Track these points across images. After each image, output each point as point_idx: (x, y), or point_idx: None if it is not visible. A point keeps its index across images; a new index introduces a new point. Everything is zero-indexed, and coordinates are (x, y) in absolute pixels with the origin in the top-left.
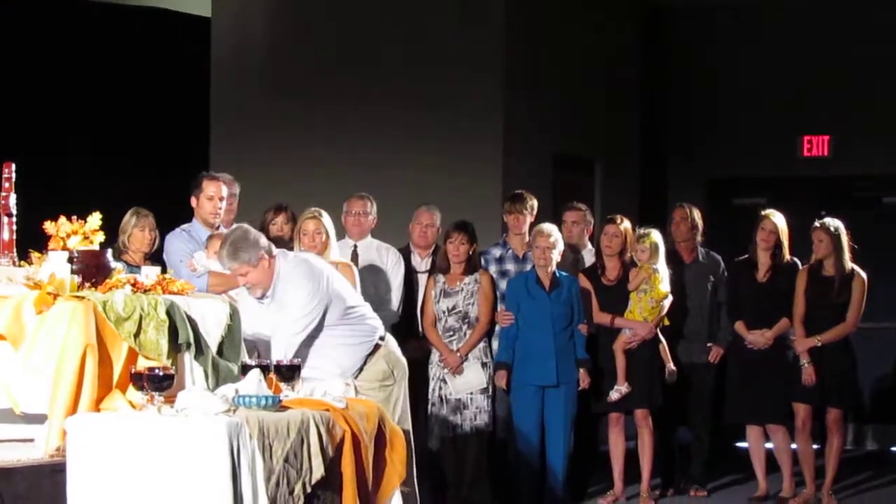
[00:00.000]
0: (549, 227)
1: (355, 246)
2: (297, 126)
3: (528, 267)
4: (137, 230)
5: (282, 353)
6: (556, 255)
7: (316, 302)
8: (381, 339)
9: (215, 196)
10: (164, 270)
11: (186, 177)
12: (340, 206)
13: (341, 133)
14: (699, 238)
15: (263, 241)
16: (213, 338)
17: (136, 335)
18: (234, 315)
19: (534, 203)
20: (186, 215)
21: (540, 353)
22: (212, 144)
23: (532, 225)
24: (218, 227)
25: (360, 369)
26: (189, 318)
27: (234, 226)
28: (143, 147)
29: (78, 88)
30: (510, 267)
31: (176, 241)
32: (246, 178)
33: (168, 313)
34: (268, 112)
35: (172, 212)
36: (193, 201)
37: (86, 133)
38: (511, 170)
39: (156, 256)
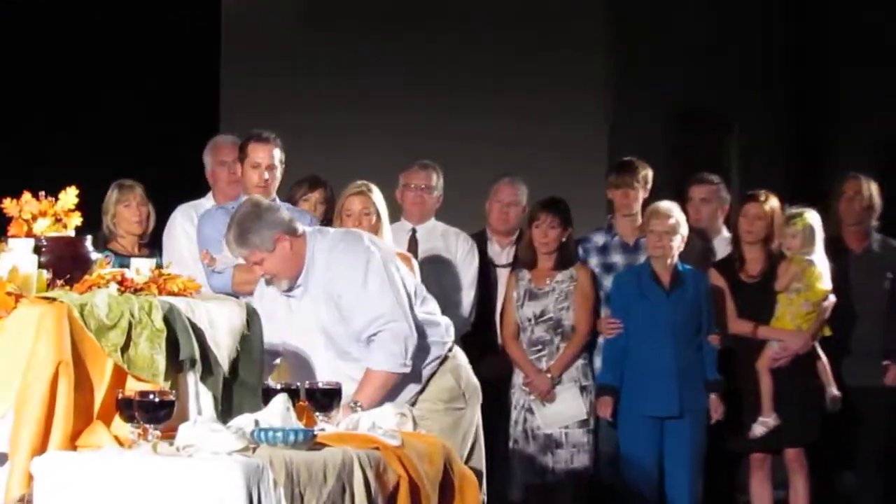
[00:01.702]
0: (668, 206)
1: (414, 230)
2: (337, 79)
3: (642, 258)
4: (123, 207)
5: (400, 355)
6: (677, 243)
7: (386, 270)
8: (450, 350)
9: (263, 163)
10: (159, 264)
11: (191, 144)
12: (394, 180)
13: (395, 86)
14: (874, 221)
15: (283, 214)
16: (225, 352)
17: (125, 349)
18: (252, 322)
19: (648, 174)
20: (194, 190)
21: (657, 373)
22: (222, 104)
23: (646, 203)
24: (273, 202)
25: (423, 388)
26: (194, 326)
27: (243, 199)
28: (138, 109)
29: (60, 38)
30: (617, 259)
31: (210, 224)
32: None
33: (166, 320)
34: (296, 61)
35: (174, 187)
36: (238, 170)
37: (67, 94)
38: (620, 130)
39: (155, 241)
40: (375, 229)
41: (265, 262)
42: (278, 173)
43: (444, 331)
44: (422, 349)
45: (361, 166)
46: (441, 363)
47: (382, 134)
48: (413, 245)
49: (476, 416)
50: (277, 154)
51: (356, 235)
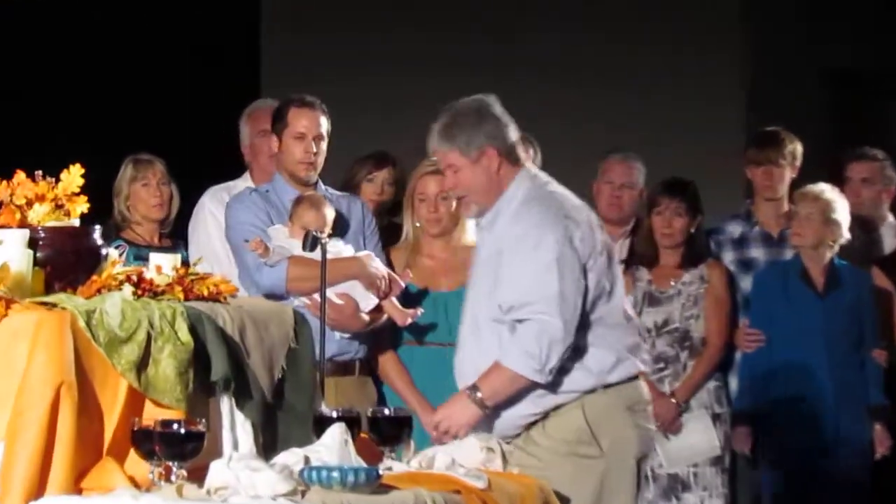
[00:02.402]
0: (821, 188)
1: None
2: (402, 43)
3: (788, 253)
4: (140, 186)
5: (538, 359)
6: (833, 234)
7: (564, 255)
8: (606, 387)
9: (309, 133)
10: (184, 260)
11: (225, 114)
12: None
13: (479, 43)
14: None
15: (509, 132)
16: (267, 371)
17: (142, 368)
18: (301, 333)
19: (796, 148)
20: (227, 169)
21: (808, 396)
22: (262, 67)
23: (794, 184)
24: (315, 183)
25: (545, 414)
26: (228, 338)
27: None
28: (161, 73)
29: None
30: (758, 254)
31: (242, 210)
32: None
33: (194, 332)
34: (353, 17)
35: (203, 165)
36: (273, 143)
37: (71, 54)
38: (760, 95)
39: (178, 230)
40: (456, 217)
41: (461, 172)
42: (325, 147)
43: (608, 365)
44: (568, 369)
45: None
46: (583, 395)
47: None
48: None
49: (624, 482)
50: (325, 123)
51: (557, 202)
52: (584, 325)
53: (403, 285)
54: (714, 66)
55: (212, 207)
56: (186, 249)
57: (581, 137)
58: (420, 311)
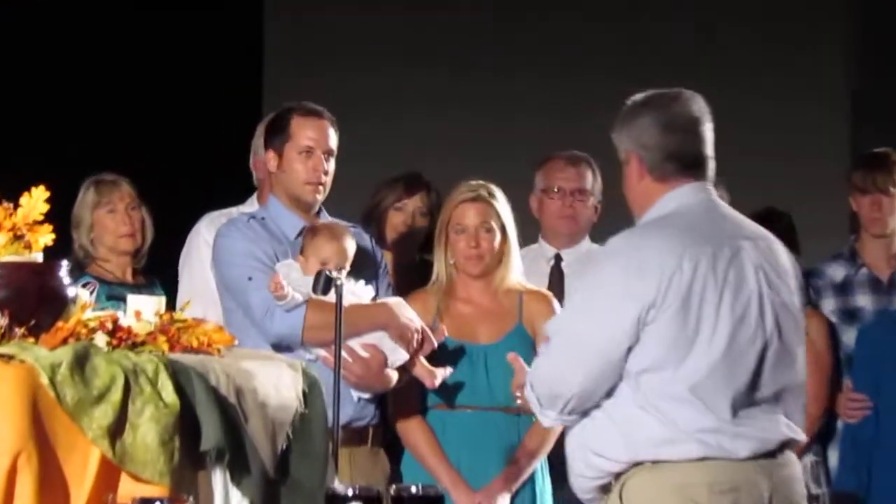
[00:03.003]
0: None
1: (558, 257)
2: (426, 36)
3: None
4: (104, 213)
5: (535, 401)
6: None
7: (609, 292)
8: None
9: (316, 147)
10: (170, 302)
11: (222, 131)
12: (525, 181)
13: (522, 47)
14: None
15: (652, 135)
16: (269, 440)
17: (117, 434)
18: (312, 394)
19: None
20: (227, 193)
21: None
22: (265, 76)
23: None
24: (319, 212)
25: (605, 487)
26: (223, 400)
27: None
28: (138, 78)
29: None
30: (864, 302)
31: (241, 240)
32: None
33: (180, 391)
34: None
35: (185, 187)
36: (271, 161)
37: (36, 55)
38: (867, 107)
39: (157, 264)
40: (500, 253)
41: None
42: (333, 164)
43: (656, 440)
44: (603, 432)
45: (470, 163)
46: (630, 469)
47: (505, 119)
48: (556, 278)
49: None
50: (334, 136)
51: (664, 234)
52: (631, 384)
53: (436, 345)
54: (812, 70)
55: (208, 237)
56: (168, 287)
57: None
58: (449, 370)
